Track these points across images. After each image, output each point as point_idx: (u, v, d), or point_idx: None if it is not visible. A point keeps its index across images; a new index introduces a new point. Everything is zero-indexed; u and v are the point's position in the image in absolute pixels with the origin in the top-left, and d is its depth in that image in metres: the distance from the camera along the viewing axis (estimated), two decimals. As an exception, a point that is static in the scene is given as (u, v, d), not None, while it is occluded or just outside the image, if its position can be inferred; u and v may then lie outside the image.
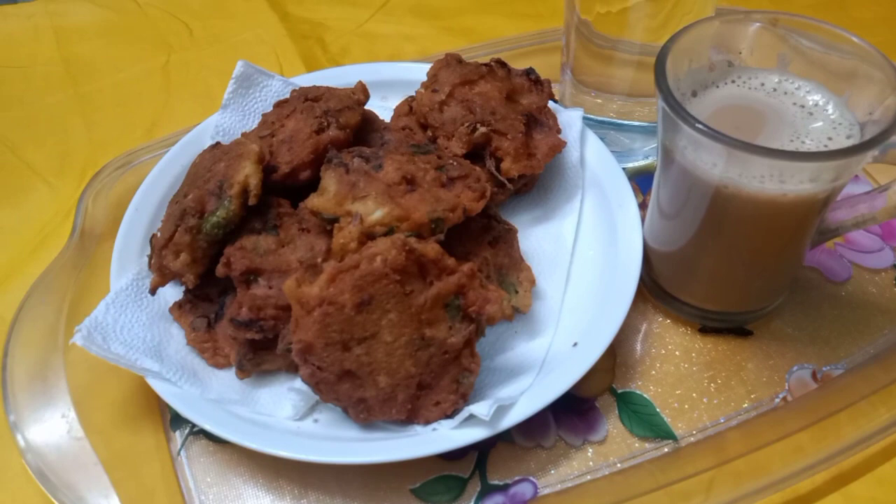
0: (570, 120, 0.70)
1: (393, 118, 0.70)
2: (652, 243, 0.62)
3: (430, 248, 0.50)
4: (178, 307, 0.60)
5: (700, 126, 0.48)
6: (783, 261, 0.59)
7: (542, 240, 0.66)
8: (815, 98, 0.54)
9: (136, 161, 0.75)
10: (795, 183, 0.49)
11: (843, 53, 0.53)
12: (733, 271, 0.59)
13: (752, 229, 0.54)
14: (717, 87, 0.57)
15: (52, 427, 0.56)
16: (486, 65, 0.69)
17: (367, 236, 0.52)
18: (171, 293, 0.61)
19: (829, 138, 0.52)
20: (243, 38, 0.96)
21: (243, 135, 0.66)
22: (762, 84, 0.56)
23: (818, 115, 0.53)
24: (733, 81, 0.57)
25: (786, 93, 0.55)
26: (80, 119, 0.86)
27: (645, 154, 0.77)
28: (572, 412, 0.58)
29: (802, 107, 0.54)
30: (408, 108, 0.70)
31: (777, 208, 0.51)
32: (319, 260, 0.55)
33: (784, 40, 0.56)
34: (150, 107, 0.88)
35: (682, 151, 0.52)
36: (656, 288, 0.64)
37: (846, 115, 0.53)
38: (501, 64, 0.70)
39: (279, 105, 0.67)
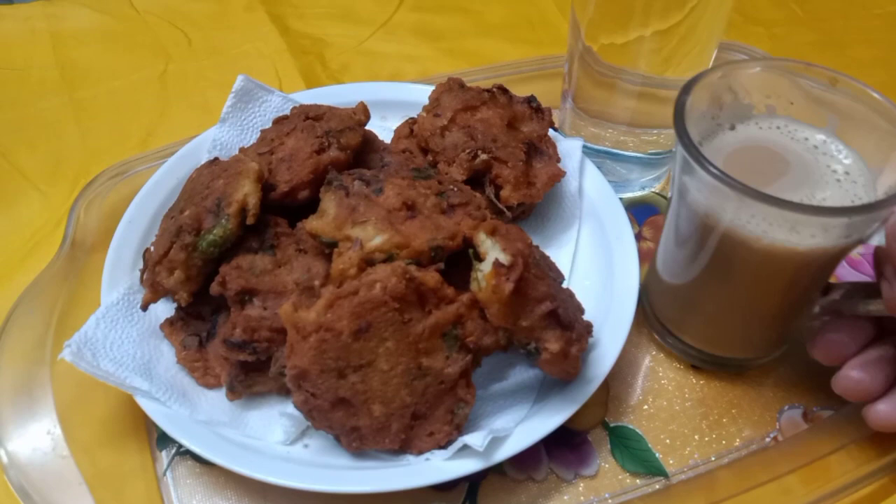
0: (569, 149, 0.70)
1: (393, 140, 0.70)
2: (660, 276, 0.62)
3: (430, 277, 0.50)
4: (169, 324, 0.59)
5: (713, 170, 0.47)
6: (785, 313, 0.58)
7: (538, 269, 0.66)
8: (849, 164, 0.53)
9: (131, 171, 0.75)
10: (807, 236, 0.48)
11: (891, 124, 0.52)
12: (734, 317, 0.59)
13: (757, 278, 0.54)
14: (760, 127, 0.56)
15: (36, 443, 0.55)
16: (487, 91, 0.69)
17: (367, 262, 0.51)
18: (163, 309, 0.60)
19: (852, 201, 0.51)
20: (243, 51, 0.96)
21: (241, 150, 0.66)
22: (806, 139, 0.55)
23: (845, 182, 0.52)
24: (778, 128, 0.56)
25: (825, 153, 0.54)
26: (75, 125, 0.85)
27: (642, 185, 0.77)
28: (564, 445, 0.57)
29: (834, 171, 0.53)
30: (408, 130, 0.70)
31: (782, 260, 0.50)
32: (316, 283, 0.55)
33: (832, 101, 0.54)
34: (146, 116, 0.87)
35: (692, 189, 0.52)
36: (656, 322, 0.64)
37: (873, 191, 0.52)
38: (503, 90, 0.70)
39: (279, 122, 0.67)
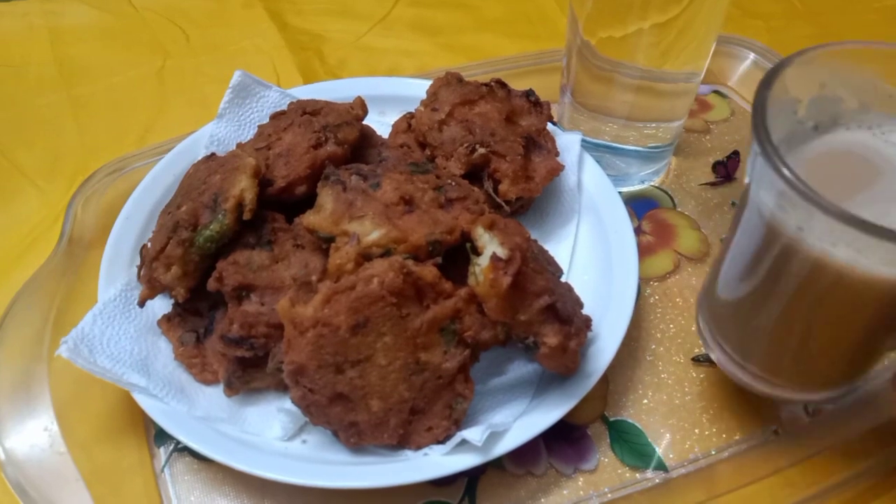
0: (568, 143, 0.70)
1: (391, 135, 0.70)
2: (720, 290, 0.53)
3: (428, 271, 0.50)
4: (166, 320, 0.59)
5: (801, 186, 0.39)
6: (868, 347, 0.49)
7: (537, 263, 0.66)
8: None
9: (128, 167, 0.75)
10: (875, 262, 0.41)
11: None
12: (805, 349, 0.50)
13: (841, 310, 0.45)
14: (848, 127, 0.47)
15: (33, 440, 0.55)
16: (486, 85, 0.69)
17: (364, 257, 0.51)
18: (160, 305, 0.60)
19: None
20: (241, 47, 0.96)
21: (239, 146, 0.65)
22: None
23: None
24: (870, 128, 0.47)
25: None
26: (73, 122, 0.85)
27: (641, 179, 0.77)
28: (563, 440, 0.57)
29: None
30: (406, 125, 0.69)
31: (874, 292, 0.43)
32: (314, 278, 0.54)
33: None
34: (143, 112, 0.87)
35: (769, 203, 0.44)
36: (710, 339, 0.56)
37: None
38: (501, 84, 0.70)
39: (276, 117, 0.67)
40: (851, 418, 0.57)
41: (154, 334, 0.59)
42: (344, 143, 0.62)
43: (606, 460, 0.56)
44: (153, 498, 0.54)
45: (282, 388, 0.54)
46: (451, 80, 0.69)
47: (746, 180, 0.47)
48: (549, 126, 0.70)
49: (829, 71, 0.46)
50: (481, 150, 0.63)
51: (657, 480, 0.56)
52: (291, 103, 0.68)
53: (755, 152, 0.42)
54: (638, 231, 0.72)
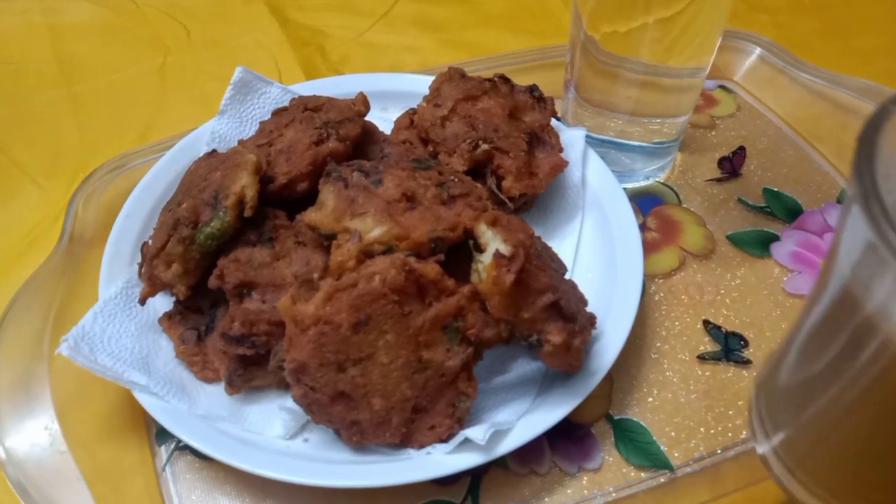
0: (572, 139, 0.69)
1: (393, 131, 0.69)
2: (791, 392, 0.45)
3: (430, 269, 0.49)
4: (167, 318, 0.58)
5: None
6: None
7: (540, 260, 0.65)
8: None
9: (129, 165, 0.74)
10: None
11: None
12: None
13: None
14: None
15: (34, 439, 0.55)
16: (489, 80, 0.68)
17: (366, 254, 0.51)
18: (161, 303, 0.60)
19: None
20: (242, 43, 0.95)
21: (240, 142, 0.65)
22: None
23: None
24: None
25: None
26: (73, 119, 0.85)
27: (646, 175, 0.76)
28: (567, 438, 0.57)
29: None
30: (409, 121, 0.69)
31: None
32: (315, 275, 0.54)
33: None
34: (144, 109, 0.86)
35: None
36: (758, 425, 0.48)
37: None
38: (504, 80, 0.69)
39: (277, 113, 0.66)
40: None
41: (155, 332, 0.58)
42: (346, 140, 0.62)
43: (611, 459, 0.56)
44: (154, 497, 0.54)
45: (283, 386, 0.54)
46: (453, 76, 0.68)
47: (834, 241, 0.38)
48: (553, 122, 0.69)
49: None
50: (484, 147, 0.62)
51: (662, 479, 0.55)
52: (293, 99, 0.67)
53: (849, 203, 0.34)
54: (643, 227, 0.72)
